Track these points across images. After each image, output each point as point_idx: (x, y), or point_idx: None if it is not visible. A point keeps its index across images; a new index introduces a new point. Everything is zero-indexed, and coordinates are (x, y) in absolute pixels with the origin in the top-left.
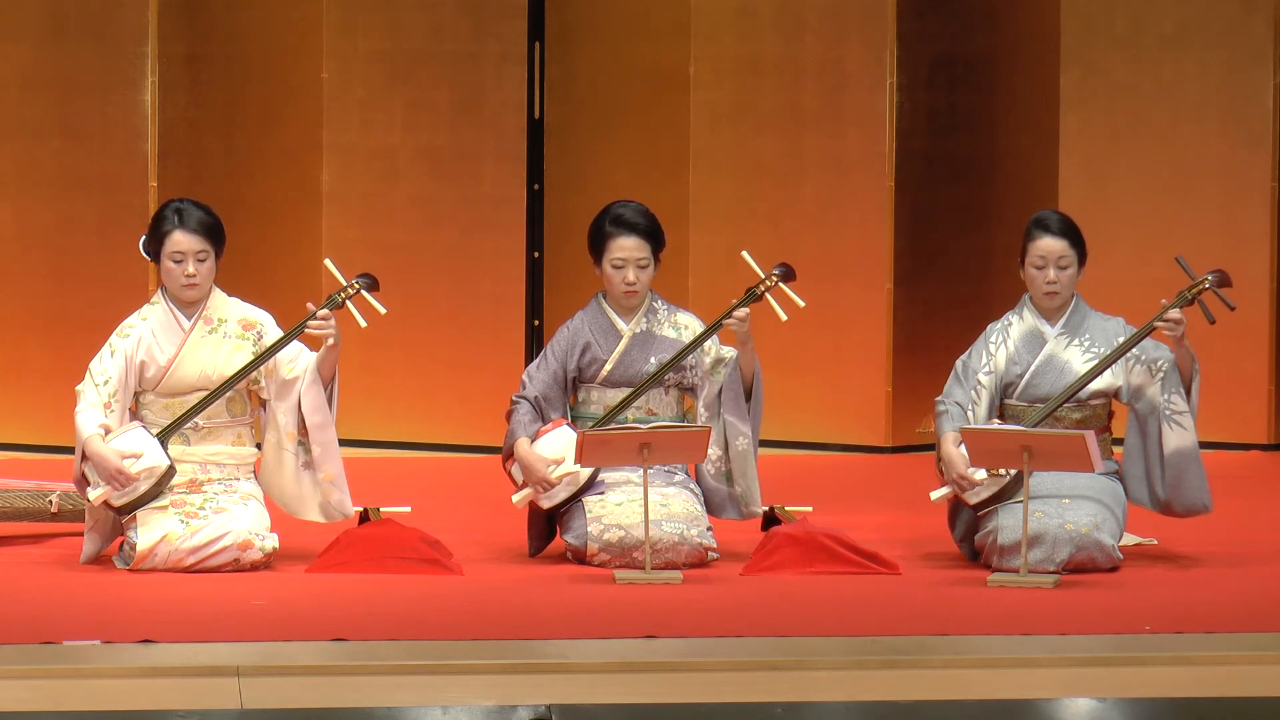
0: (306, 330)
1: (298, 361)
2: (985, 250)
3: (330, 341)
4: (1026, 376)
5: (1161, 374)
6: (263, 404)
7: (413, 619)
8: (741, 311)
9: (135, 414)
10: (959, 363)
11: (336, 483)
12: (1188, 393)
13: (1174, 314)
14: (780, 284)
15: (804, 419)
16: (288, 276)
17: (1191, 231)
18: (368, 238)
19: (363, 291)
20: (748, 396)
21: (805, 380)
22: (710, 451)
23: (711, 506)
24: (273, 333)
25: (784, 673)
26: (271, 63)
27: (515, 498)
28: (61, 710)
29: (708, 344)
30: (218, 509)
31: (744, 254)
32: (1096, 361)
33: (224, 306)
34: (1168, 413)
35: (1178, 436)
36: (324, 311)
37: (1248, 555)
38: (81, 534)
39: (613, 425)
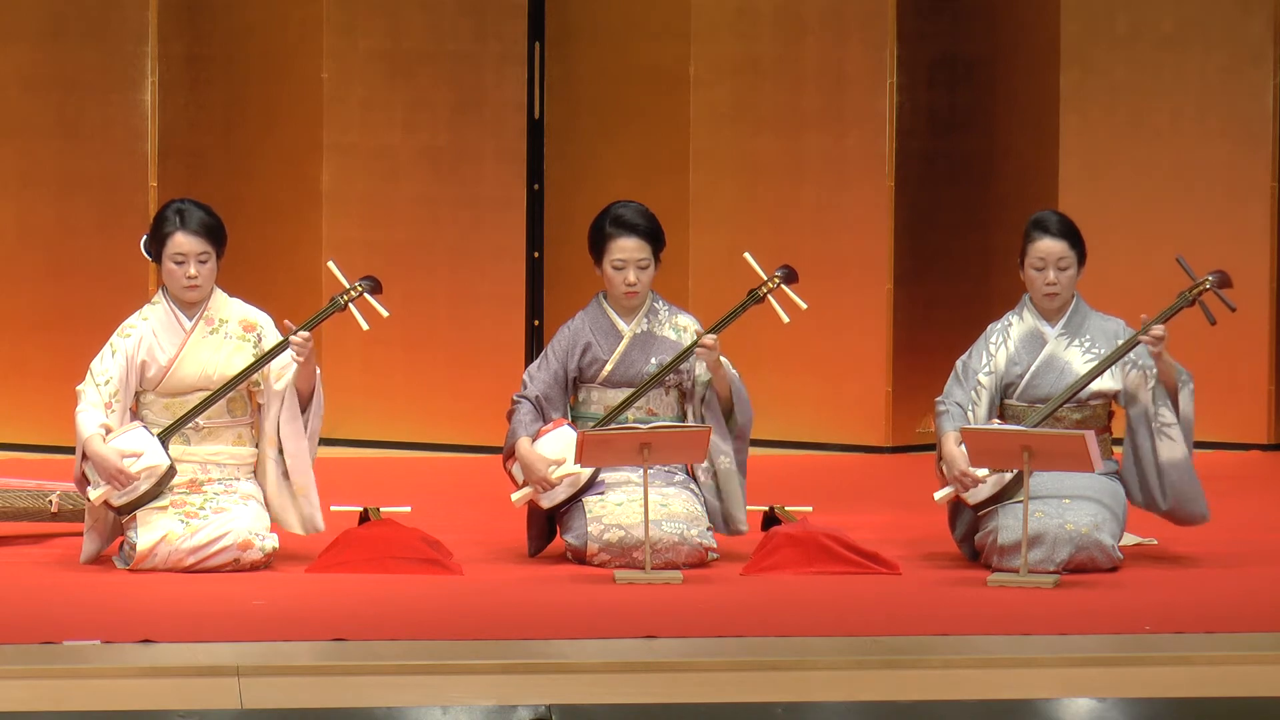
0: (290, 344)
1: (287, 372)
2: (985, 250)
3: (300, 359)
4: (1026, 377)
5: (1154, 381)
6: (259, 408)
7: (413, 619)
8: (709, 339)
9: (136, 414)
10: (959, 363)
11: (306, 495)
12: (1176, 405)
13: (1156, 330)
14: (782, 286)
15: (804, 419)
16: (288, 277)
17: (1191, 231)
18: (368, 238)
19: (365, 294)
20: (728, 417)
21: (805, 380)
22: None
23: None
24: (271, 335)
25: (784, 673)
26: (271, 63)
27: (514, 496)
28: (61, 710)
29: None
30: (218, 509)
31: (746, 256)
32: (1096, 362)
33: (225, 307)
34: (1157, 425)
35: (1168, 449)
36: (304, 334)
37: (1248, 555)
38: (81, 534)
39: (613, 425)
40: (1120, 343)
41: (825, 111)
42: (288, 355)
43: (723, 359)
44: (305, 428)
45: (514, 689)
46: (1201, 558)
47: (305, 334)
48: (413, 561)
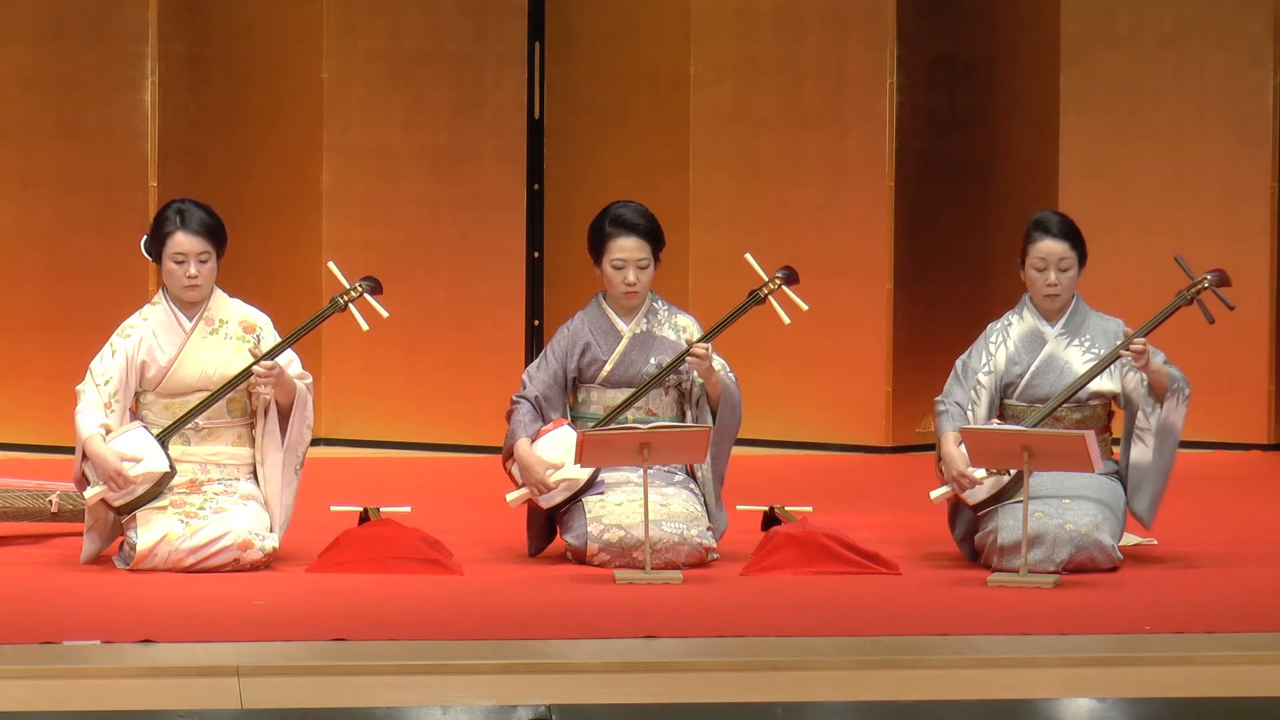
0: (253, 374)
1: None
2: (985, 250)
3: (265, 390)
4: (1026, 377)
5: (1145, 387)
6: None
7: (413, 619)
8: (700, 348)
9: (135, 414)
10: (959, 363)
11: (270, 507)
12: (1160, 412)
13: (1137, 344)
14: (783, 287)
15: (804, 419)
16: (288, 277)
17: (1191, 231)
18: (368, 238)
19: (366, 295)
20: (713, 419)
21: (805, 380)
22: None
23: None
24: (271, 335)
25: (784, 673)
26: (271, 63)
27: (510, 497)
28: (61, 710)
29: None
30: (217, 509)
31: (747, 257)
32: (1095, 362)
33: (225, 307)
34: (1136, 427)
35: (1138, 452)
36: (267, 363)
37: (1248, 555)
38: (81, 534)
39: (613, 425)
40: (1118, 344)
41: (825, 111)
42: (286, 356)
43: (721, 363)
44: (282, 441)
45: (514, 689)
46: (1201, 558)
47: (268, 363)
48: (413, 561)
